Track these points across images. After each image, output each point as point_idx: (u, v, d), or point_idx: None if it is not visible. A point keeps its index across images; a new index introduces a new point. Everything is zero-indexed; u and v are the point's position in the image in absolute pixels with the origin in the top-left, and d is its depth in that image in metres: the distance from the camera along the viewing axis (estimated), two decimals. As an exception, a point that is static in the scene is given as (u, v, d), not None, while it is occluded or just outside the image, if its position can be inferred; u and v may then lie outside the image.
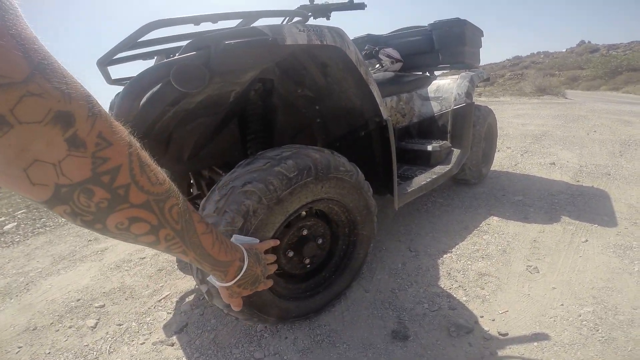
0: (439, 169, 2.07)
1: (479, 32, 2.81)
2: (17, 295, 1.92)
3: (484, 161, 2.79)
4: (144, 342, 1.42)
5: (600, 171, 3.01)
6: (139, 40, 1.07)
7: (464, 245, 1.88)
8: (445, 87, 2.43)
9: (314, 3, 1.67)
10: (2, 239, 2.87)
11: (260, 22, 1.37)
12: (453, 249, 1.85)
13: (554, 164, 3.27)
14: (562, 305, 1.37)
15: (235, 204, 1.00)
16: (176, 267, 1.96)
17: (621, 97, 15.44)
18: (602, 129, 4.98)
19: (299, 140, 1.51)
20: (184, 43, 1.07)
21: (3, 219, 3.36)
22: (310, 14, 1.69)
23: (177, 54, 1.24)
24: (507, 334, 1.25)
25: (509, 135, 4.80)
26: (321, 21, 1.79)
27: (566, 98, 13.07)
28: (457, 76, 2.49)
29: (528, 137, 4.54)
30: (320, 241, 1.35)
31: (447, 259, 1.76)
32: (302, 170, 1.08)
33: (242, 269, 0.83)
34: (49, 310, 1.74)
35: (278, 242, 1.06)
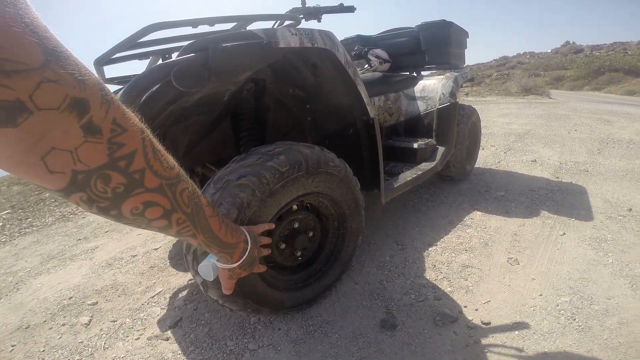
0: (424, 166, 2.14)
1: (464, 34, 2.86)
2: (6, 295, 1.91)
3: (468, 158, 2.86)
4: (139, 338, 1.44)
5: (579, 168, 3.11)
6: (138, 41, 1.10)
7: (448, 239, 1.95)
8: (430, 87, 2.49)
9: (306, 6, 1.72)
10: (-13, 239, 2.83)
11: (255, 26, 1.41)
12: (438, 242, 1.91)
13: (535, 161, 3.37)
14: (541, 295, 1.44)
15: (230, 197, 1.04)
16: (168, 264, 1.98)
17: (603, 97, 15.85)
18: (583, 127, 5.13)
19: (289, 137, 1.55)
20: (181, 44, 1.11)
21: (-13, 219, 3.30)
22: (302, 16, 1.74)
23: (173, 55, 1.26)
24: (489, 323, 1.31)
25: (493, 134, 4.90)
26: (312, 23, 1.85)
27: (550, 98, 13.35)
28: (442, 76, 2.55)
29: (512, 136, 4.65)
30: (311, 234, 1.40)
31: (433, 251, 1.82)
32: (293, 165, 1.13)
33: (246, 251, 0.86)
34: (41, 309, 1.73)
35: (273, 225, 1.11)
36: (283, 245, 1.33)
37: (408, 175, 1.99)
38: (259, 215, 1.09)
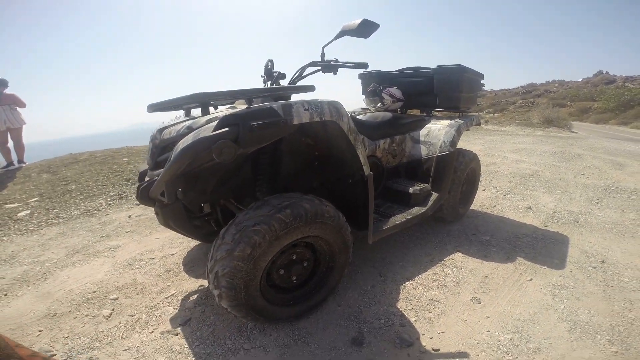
0: (415, 210, 2.46)
1: (478, 77, 3.18)
2: (34, 284, 2.28)
3: (462, 202, 3.17)
4: (153, 332, 1.80)
5: (571, 218, 3.36)
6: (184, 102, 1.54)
7: (425, 275, 2.30)
8: (434, 132, 2.76)
9: (325, 60, 2.10)
10: (16, 225, 3.26)
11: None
12: (416, 278, 2.26)
13: (530, 208, 3.66)
14: (488, 331, 1.78)
15: (247, 238, 1.46)
16: (182, 269, 2.39)
17: (628, 132, 15.85)
18: (591, 171, 5.36)
19: (298, 178, 1.97)
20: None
21: (17, 205, 3.74)
22: (319, 68, 2.12)
23: (211, 109, 1.65)
24: (438, 350, 1.66)
25: (499, 173, 5.19)
26: (328, 75, 2.21)
27: (571, 131, 13.51)
28: (447, 122, 2.82)
29: (517, 177, 4.94)
30: (305, 264, 1.81)
31: (409, 285, 2.18)
32: (296, 217, 1.54)
33: None
34: (67, 300, 2.09)
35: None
36: (282, 271, 1.74)
37: (398, 218, 2.33)
38: (266, 252, 1.52)
